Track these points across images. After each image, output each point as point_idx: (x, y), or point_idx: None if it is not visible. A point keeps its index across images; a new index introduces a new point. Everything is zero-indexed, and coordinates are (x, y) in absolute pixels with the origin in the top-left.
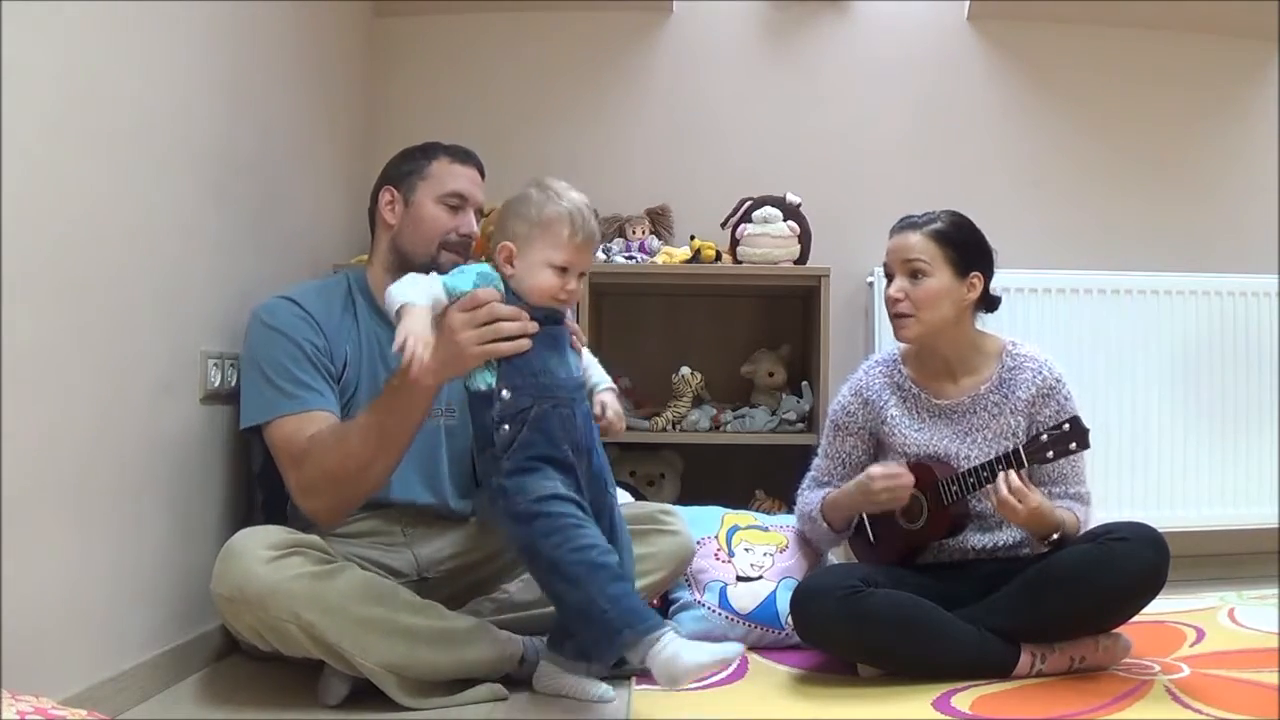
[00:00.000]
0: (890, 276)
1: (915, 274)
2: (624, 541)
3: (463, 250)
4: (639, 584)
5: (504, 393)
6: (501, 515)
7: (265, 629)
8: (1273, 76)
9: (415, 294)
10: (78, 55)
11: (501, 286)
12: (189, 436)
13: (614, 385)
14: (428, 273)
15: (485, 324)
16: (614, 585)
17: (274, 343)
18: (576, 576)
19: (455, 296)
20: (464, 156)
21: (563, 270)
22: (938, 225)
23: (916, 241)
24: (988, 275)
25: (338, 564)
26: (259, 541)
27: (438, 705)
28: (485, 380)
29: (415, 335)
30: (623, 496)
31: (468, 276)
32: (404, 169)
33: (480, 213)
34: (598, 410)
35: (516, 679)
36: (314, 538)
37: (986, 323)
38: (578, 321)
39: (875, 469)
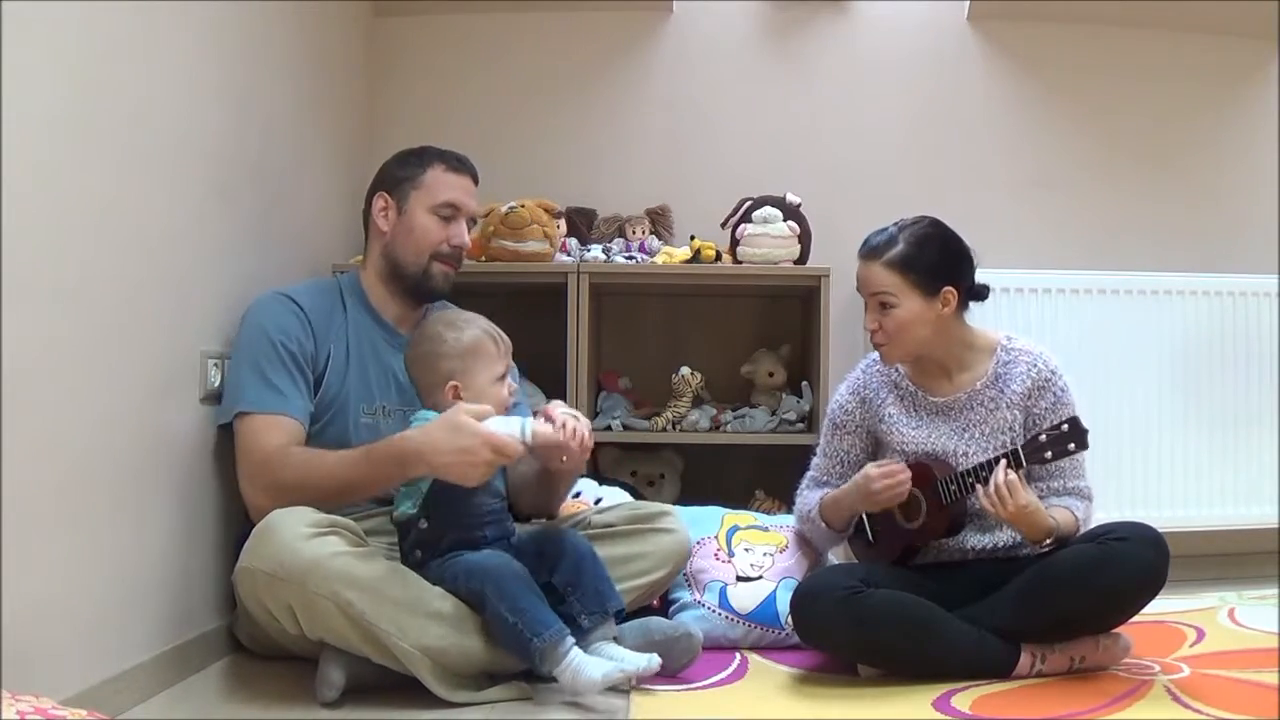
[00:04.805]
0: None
1: (883, 305)
2: (577, 545)
3: (454, 261)
4: (638, 582)
5: (422, 523)
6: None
7: (301, 606)
8: (1273, 76)
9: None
10: (78, 56)
11: None
12: (189, 436)
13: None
14: (418, 285)
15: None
16: (522, 597)
17: (258, 340)
18: (484, 600)
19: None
20: (458, 164)
21: (502, 379)
22: (897, 251)
23: (879, 274)
24: (964, 281)
25: (371, 548)
26: (298, 519)
27: (465, 700)
28: (406, 511)
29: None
30: (621, 497)
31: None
32: (398, 175)
33: (473, 220)
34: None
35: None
36: (348, 520)
37: (986, 318)
38: (576, 319)
39: (872, 468)
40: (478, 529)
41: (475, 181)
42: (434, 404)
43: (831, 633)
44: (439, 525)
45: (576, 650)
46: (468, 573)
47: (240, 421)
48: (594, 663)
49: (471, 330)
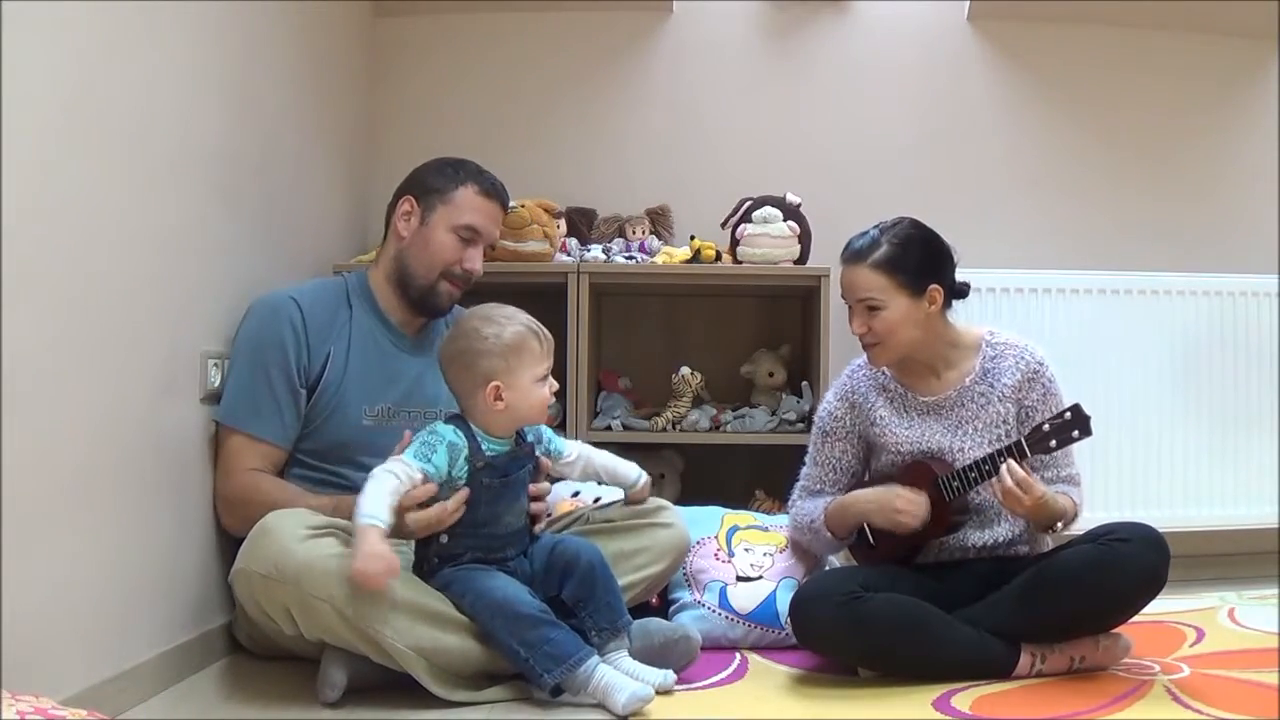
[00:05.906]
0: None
1: (871, 309)
2: (589, 558)
3: (462, 284)
4: (639, 575)
5: (443, 537)
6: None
7: (297, 607)
8: (1273, 76)
9: (378, 506)
10: (79, 57)
11: (466, 446)
12: (189, 436)
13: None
14: (422, 298)
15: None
16: (532, 631)
17: (250, 352)
18: (492, 630)
19: (432, 477)
20: (492, 190)
21: (544, 379)
22: (882, 252)
23: (864, 277)
24: (946, 279)
25: None
26: (294, 521)
27: (464, 700)
28: None
29: (365, 558)
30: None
31: (440, 454)
32: (430, 184)
33: (491, 247)
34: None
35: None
36: (344, 521)
37: (985, 319)
38: (576, 320)
39: (902, 490)
40: (499, 550)
41: (505, 210)
42: (471, 407)
43: (831, 638)
44: (457, 543)
45: (601, 669)
46: (476, 597)
47: (221, 429)
48: (618, 685)
49: (513, 326)
